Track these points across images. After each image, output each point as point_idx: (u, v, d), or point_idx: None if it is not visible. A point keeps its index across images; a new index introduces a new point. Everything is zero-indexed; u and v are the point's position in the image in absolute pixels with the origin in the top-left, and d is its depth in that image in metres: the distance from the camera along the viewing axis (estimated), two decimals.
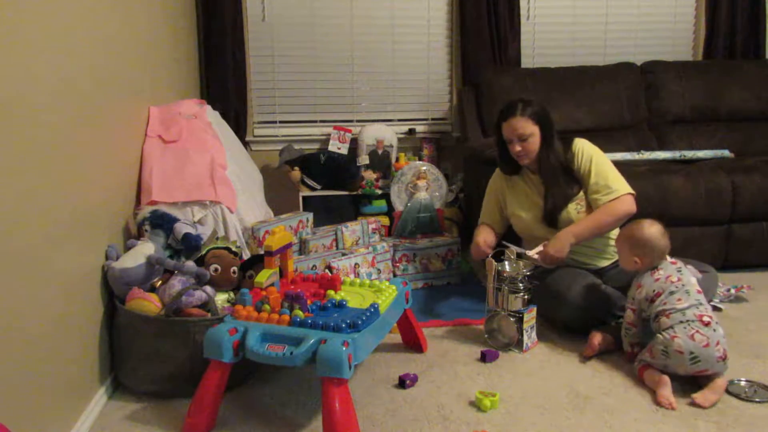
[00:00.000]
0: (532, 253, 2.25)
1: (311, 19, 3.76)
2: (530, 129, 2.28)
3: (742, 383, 1.90)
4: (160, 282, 1.99)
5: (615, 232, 2.40)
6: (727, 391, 1.86)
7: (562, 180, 2.31)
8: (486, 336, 2.25)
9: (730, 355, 2.12)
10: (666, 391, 1.82)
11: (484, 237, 2.42)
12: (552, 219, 2.32)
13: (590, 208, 2.31)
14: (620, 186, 2.27)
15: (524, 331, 2.17)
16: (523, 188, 2.44)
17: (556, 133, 2.34)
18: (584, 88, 3.54)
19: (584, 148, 2.34)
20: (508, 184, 2.48)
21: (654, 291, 1.95)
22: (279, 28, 3.75)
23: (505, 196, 2.49)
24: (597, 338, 2.12)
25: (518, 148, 2.30)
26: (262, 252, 2.11)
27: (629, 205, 2.25)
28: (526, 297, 2.18)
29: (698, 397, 1.80)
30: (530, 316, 2.19)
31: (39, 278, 1.51)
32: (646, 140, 3.53)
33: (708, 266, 2.33)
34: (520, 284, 2.18)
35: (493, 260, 2.23)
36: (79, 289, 1.76)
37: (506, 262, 2.24)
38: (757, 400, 1.81)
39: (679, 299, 1.89)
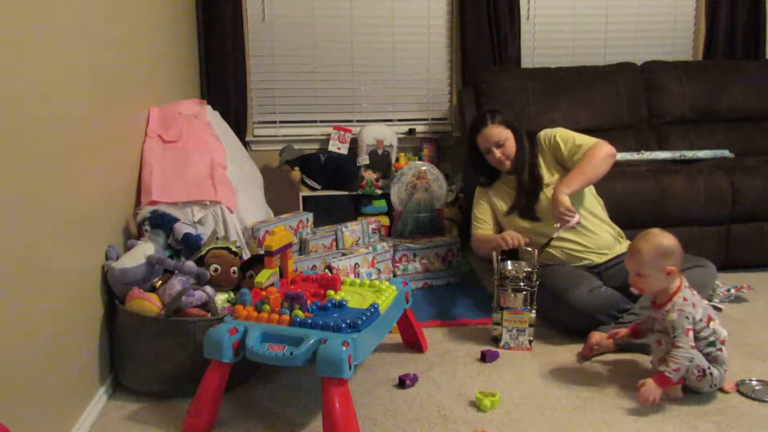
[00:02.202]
0: (556, 233, 2.27)
1: (311, 19, 3.75)
2: (504, 134, 2.41)
3: (753, 383, 1.90)
4: (160, 282, 1.99)
5: (602, 228, 2.40)
6: (738, 391, 1.87)
7: (533, 172, 2.42)
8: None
9: (731, 354, 2.13)
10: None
11: (504, 235, 2.36)
12: (530, 209, 2.40)
13: None
14: (588, 140, 2.37)
15: (505, 330, 2.21)
16: (506, 190, 2.52)
17: (524, 134, 2.46)
18: (584, 88, 3.54)
19: (546, 133, 2.47)
20: (492, 191, 2.56)
21: (706, 313, 1.84)
22: (279, 28, 3.74)
23: (492, 200, 2.55)
24: (595, 338, 2.12)
25: (498, 154, 2.41)
26: (262, 252, 2.11)
27: (606, 147, 2.32)
28: (527, 295, 2.19)
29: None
30: (516, 318, 2.20)
31: (39, 278, 1.51)
32: (646, 140, 3.53)
33: (705, 260, 2.33)
34: (522, 283, 2.19)
35: (533, 250, 2.26)
36: (79, 289, 1.76)
37: (508, 262, 2.25)
38: (765, 399, 1.82)
39: (718, 326, 1.86)
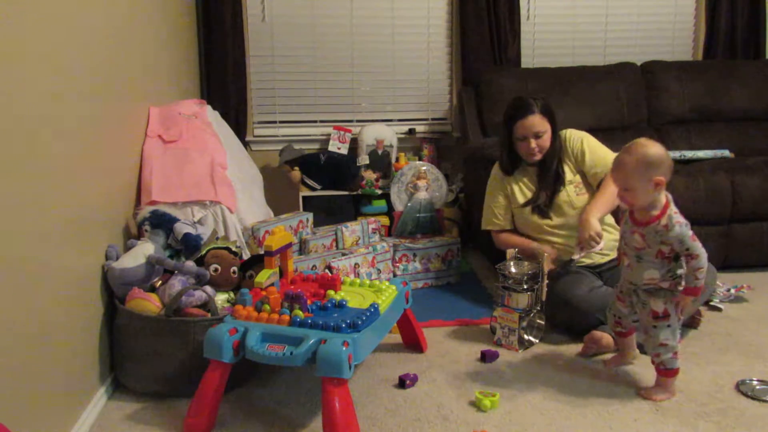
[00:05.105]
0: (577, 255, 2.22)
1: (311, 20, 3.75)
2: (545, 126, 2.35)
3: (754, 382, 1.90)
4: (160, 282, 1.99)
5: (609, 230, 2.40)
6: (738, 390, 1.87)
7: (558, 168, 2.39)
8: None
9: (731, 354, 2.13)
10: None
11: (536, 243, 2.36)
12: (547, 206, 2.38)
13: (589, 186, 2.39)
14: (608, 157, 2.34)
15: (499, 326, 2.22)
16: (524, 180, 2.48)
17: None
18: (584, 88, 3.54)
19: (573, 134, 2.43)
20: (509, 180, 2.51)
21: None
22: (279, 28, 3.75)
23: (507, 190, 2.51)
24: (595, 337, 2.12)
25: (534, 145, 2.35)
26: (262, 252, 2.11)
27: None
28: (530, 295, 2.20)
29: (647, 392, 1.86)
30: (507, 316, 2.20)
31: (39, 278, 1.51)
32: None
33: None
34: (525, 284, 2.20)
35: (546, 253, 2.24)
36: (79, 289, 1.76)
37: (511, 263, 2.25)
38: (765, 398, 1.82)
39: None
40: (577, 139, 2.41)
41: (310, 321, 1.70)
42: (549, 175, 2.39)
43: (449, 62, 3.90)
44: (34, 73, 1.52)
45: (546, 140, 2.35)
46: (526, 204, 2.43)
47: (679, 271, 1.79)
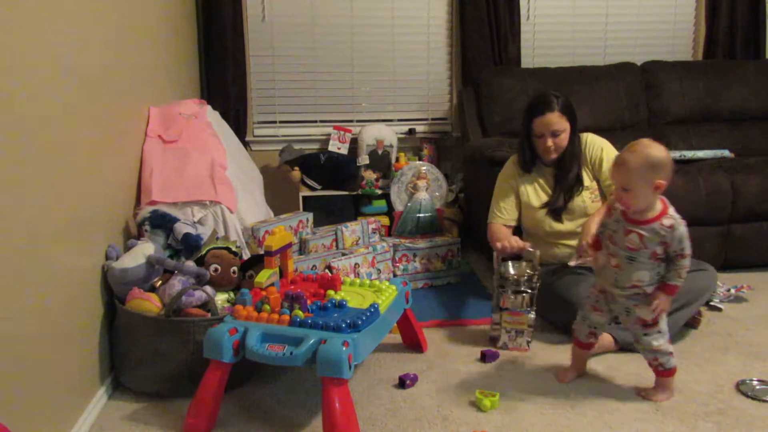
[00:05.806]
0: (573, 262, 2.21)
1: (311, 20, 3.76)
2: (564, 125, 2.32)
3: (753, 383, 1.90)
4: (160, 282, 1.99)
5: None
6: (738, 390, 1.87)
7: (575, 172, 2.36)
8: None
9: (731, 354, 2.13)
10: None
11: (509, 239, 2.30)
12: (560, 209, 2.36)
13: (603, 195, 2.37)
14: None
15: (504, 331, 2.20)
16: (538, 179, 2.45)
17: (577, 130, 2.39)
18: (584, 88, 3.54)
19: (594, 141, 2.41)
20: (522, 176, 2.48)
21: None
22: (279, 28, 3.75)
23: (518, 186, 2.48)
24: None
25: (550, 143, 2.32)
26: (262, 252, 2.11)
27: None
28: (527, 297, 2.19)
29: (647, 392, 1.86)
30: (515, 319, 2.19)
31: (39, 278, 1.51)
32: None
33: (707, 264, 2.33)
34: (523, 286, 2.19)
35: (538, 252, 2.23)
36: (79, 289, 1.76)
37: (509, 264, 2.25)
38: (765, 398, 1.82)
39: None
40: (598, 147, 2.38)
41: (310, 321, 1.70)
42: (569, 178, 2.36)
43: (449, 62, 3.90)
44: (34, 73, 1.52)
45: (563, 139, 2.32)
46: (543, 206, 2.40)
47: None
